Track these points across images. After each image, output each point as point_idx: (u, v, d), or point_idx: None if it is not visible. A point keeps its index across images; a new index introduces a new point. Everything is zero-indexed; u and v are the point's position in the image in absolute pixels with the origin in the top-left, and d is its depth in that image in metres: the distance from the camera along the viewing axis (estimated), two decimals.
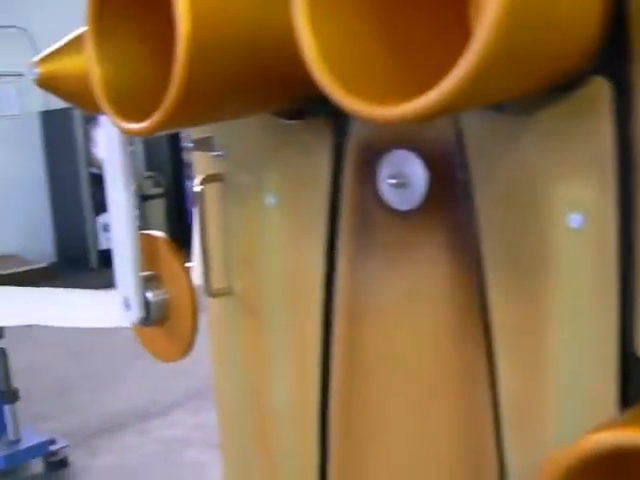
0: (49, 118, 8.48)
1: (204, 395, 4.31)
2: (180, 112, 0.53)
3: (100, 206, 8.17)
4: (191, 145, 0.86)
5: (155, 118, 0.55)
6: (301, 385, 0.79)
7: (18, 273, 7.42)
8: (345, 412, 0.74)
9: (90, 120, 8.06)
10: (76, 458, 3.63)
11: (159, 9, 0.62)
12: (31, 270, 7.67)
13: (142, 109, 0.59)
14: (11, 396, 3.46)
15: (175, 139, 8.96)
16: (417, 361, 0.68)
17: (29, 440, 3.54)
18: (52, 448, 3.56)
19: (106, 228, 8.18)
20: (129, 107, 0.62)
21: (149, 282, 1.02)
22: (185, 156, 9.02)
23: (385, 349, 0.70)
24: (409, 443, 0.71)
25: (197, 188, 0.85)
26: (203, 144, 0.84)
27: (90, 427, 3.98)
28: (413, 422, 0.70)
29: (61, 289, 1.49)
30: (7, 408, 3.49)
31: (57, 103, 7.39)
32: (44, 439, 3.55)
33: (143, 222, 8.63)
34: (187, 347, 1.01)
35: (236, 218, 0.85)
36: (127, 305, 1.01)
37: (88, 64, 0.62)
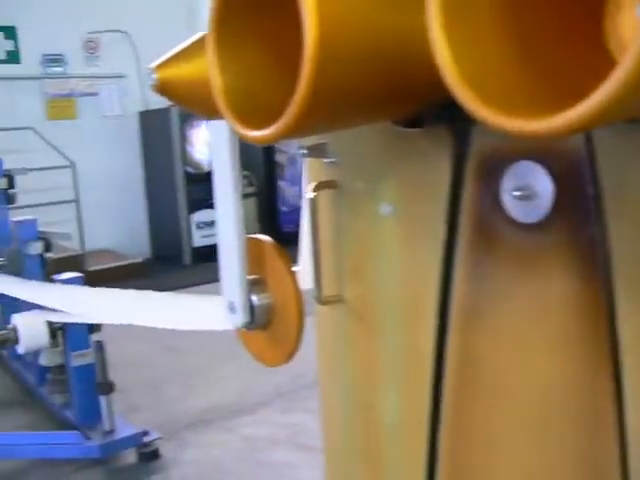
0: (147, 118, 8.72)
1: (291, 395, 4.35)
2: (305, 119, 0.53)
3: (194, 204, 8.36)
4: (304, 151, 0.85)
5: (278, 125, 0.55)
6: (411, 399, 0.77)
7: (114, 268, 7.66)
8: (455, 430, 0.72)
9: (186, 120, 8.26)
10: (167, 450, 3.70)
11: (280, 13, 0.62)
12: (126, 265, 7.90)
13: (262, 115, 0.59)
14: (107, 388, 3.56)
15: None
16: (537, 381, 0.65)
17: (123, 431, 3.64)
18: (145, 439, 3.65)
19: (199, 226, 8.35)
20: (249, 113, 0.61)
21: (254, 286, 1.02)
22: (278, 156, 9.12)
23: (502, 366, 0.67)
24: (520, 476, 0.68)
25: (310, 195, 0.84)
26: (316, 150, 0.83)
27: (181, 421, 4.06)
28: (526, 450, 0.68)
29: (166, 293, 1.52)
30: (103, 399, 3.59)
31: (155, 104, 7.66)
32: (138, 430, 3.64)
33: None
34: (291, 352, 1.00)
35: (349, 226, 0.83)
36: (232, 308, 1.01)
37: (209, 70, 0.62)
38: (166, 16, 8.86)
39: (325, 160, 0.84)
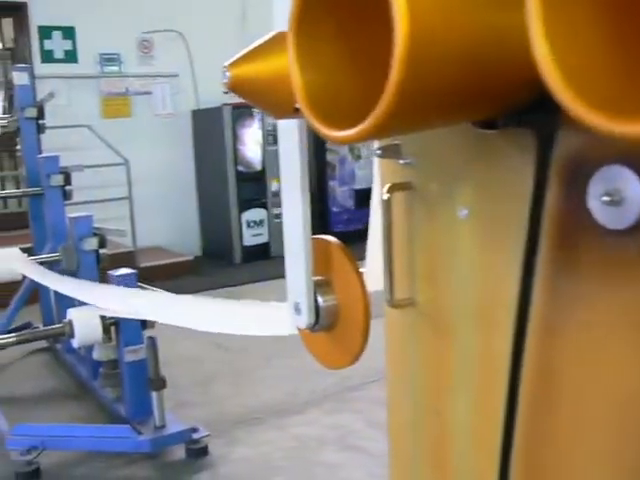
0: (200, 117, 8.80)
1: (339, 396, 4.35)
2: (391, 120, 0.51)
3: (245, 203, 8.41)
4: (378, 152, 0.84)
5: (364, 126, 0.53)
6: (484, 405, 0.76)
7: (165, 265, 7.75)
8: (530, 440, 0.70)
9: (238, 119, 8.32)
10: (215, 447, 3.72)
11: (362, 10, 0.61)
12: (177, 262, 7.99)
13: (342, 115, 0.58)
14: (159, 384, 3.60)
15: (318, 137, 9.07)
16: (620, 395, 0.63)
17: (173, 427, 3.67)
18: (194, 436, 3.67)
19: (250, 224, 8.40)
20: (329, 113, 0.60)
21: (320, 287, 1.01)
22: (328, 156, 9.13)
23: (584, 377, 0.65)
24: None
25: (384, 196, 0.83)
26: (391, 151, 0.82)
27: (230, 419, 4.08)
28: (604, 466, 0.65)
29: (231, 300, 1.53)
30: (154, 395, 3.63)
31: (207, 103, 7.74)
32: (187, 427, 3.67)
33: None
34: (356, 354, 0.99)
35: (423, 228, 0.82)
36: (297, 310, 1.00)
37: (290, 69, 0.61)
38: (219, 16, 8.94)
39: (400, 161, 0.83)
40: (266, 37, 0.81)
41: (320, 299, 1.01)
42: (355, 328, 0.97)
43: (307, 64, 0.60)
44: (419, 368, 0.85)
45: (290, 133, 0.96)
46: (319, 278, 1.02)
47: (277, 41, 0.78)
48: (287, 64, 0.65)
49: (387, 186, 0.83)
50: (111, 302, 3.01)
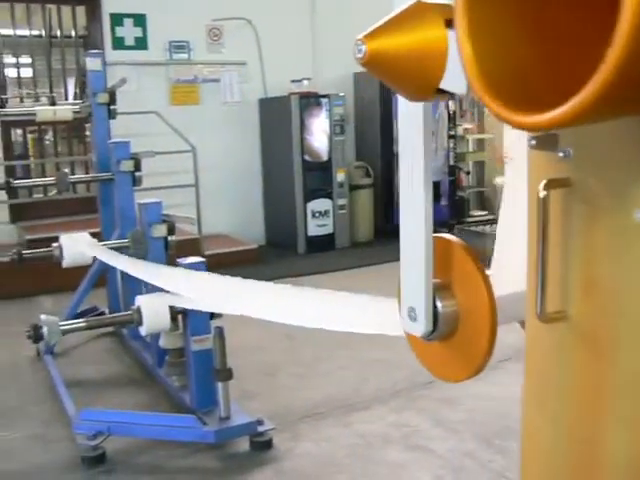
0: (267, 105, 8.76)
1: (407, 393, 4.24)
2: (604, 101, 0.42)
3: (311, 193, 8.34)
4: (533, 142, 0.74)
5: (568, 108, 0.44)
6: None
7: (229, 253, 7.73)
8: None
9: (306, 108, 8.25)
10: (279, 441, 3.66)
11: None
12: (242, 251, 7.97)
13: (523, 96, 0.48)
14: (225, 375, 3.55)
15: (385, 127, 8.96)
16: None
17: (238, 418, 3.62)
18: (259, 429, 3.62)
19: (315, 215, 8.32)
20: (507, 93, 0.51)
21: (439, 291, 0.92)
22: (395, 147, 8.99)
23: None
24: None
25: (541, 194, 0.73)
26: (547, 142, 0.71)
27: (294, 412, 4.02)
28: None
29: (326, 291, 1.43)
30: (220, 385, 3.58)
31: (275, 91, 7.73)
32: (253, 419, 3.61)
33: (350, 212, 8.71)
34: (479, 366, 0.89)
35: (583, 231, 0.71)
36: (412, 316, 0.90)
37: (460, 41, 0.52)
38: (288, 4, 8.88)
39: (557, 153, 0.72)
40: (404, 7, 0.70)
41: (439, 304, 0.91)
42: (479, 336, 0.87)
43: (480, 34, 0.51)
44: (567, 390, 0.75)
45: (414, 119, 0.86)
46: (437, 281, 0.92)
47: (419, 12, 0.68)
48: (434, 38, 0.56)
49: (544, 182, 0.72)
50: (192, 289, 2.94)
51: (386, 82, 0.74)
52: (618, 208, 0.67)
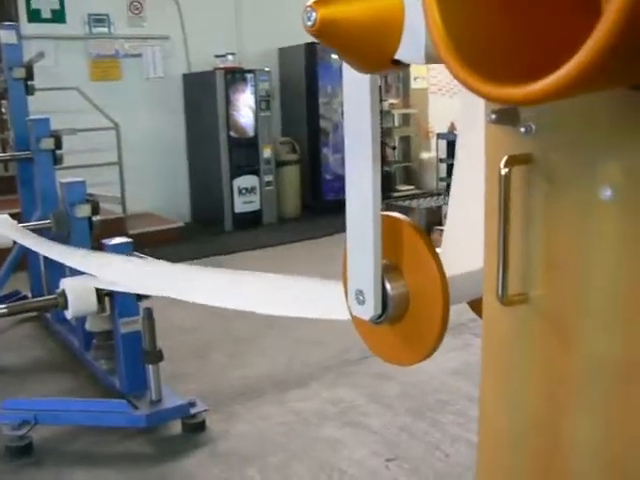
0: (191, 81, 8.59)
1: (339, 369, 4.25)
2: (595, 69, 0.38)
3: (237, 170, 8.24)
4: (493, 117, 0.70)
5: (557, 78, 0.40)
6: (620, 425, 0.63)
7: (155, 232, 7.59)
8: None
9: (231, 84, 8.12)
10: (213, 422, 3.61)
11: None
12: (168, 229, 7.84)
13: (494, 66, 0.44)
14: (155, 357, 3.48)
15: (311, 103, 8.91)
16: None
17: (170, 401, 3.56)
18: (192, 410, 3.56)
19: (242, 192, 8.24)
20: (477, 63, 0.47)
21: (387, 272, 0.88)
22: (322, 123, 8.95)
23: None
24: None
25: (502, 171, 0.69)
26: (508, 116, 0.68)
27: (227, 392, 3.98)
28: None
29: (273, 275, 1.37)
30: (150, 368, 3.50)
31: (199, 66, 7.59)
32: (185, 401, 3.55)
33: (277, 188, 8.66)
34: (430, 349, 0.86)
35: (546, 210, 0.68)
36: (360, 299, 0.87)
37: (427, 7, 0.48)
38: None
39: (519, 129, 0.69)
40: None
41: (388, 286, 0.87)
42: (430, 319, 0.84)
43: (448, 2, 0.47)
44: (529, 375, 0.72)
45: (359, 91, 0.81)
46: (386, 262, 0.88)
47: None
48: (389, 5, 0.52)
49: (504, 159, 0.69)
50: (120, 275, 2.85)
51: (338, 52, 0.69)
52: (582, 186, 0.65)
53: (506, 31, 0.49)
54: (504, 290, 0.70)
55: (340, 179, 9.09)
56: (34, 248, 3.87)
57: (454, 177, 0.95)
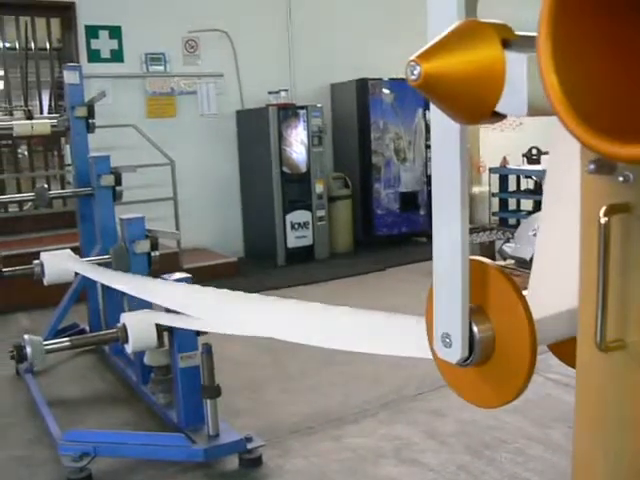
0: (245, 117, 8.72)
1: (394, 406, 4.21)
2: None
3: (289, 205, 8.31)
4: (592, 167, 0.71)
5: None
6: None
7: (208, 266, 7.67)
8: None
9: (284, 120, 8.22)
10: (269, 457, 3.61)
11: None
12: (221, 264, 7.91)
13: (608, 124, 0.46)
14: (213, 392, 3.50)
15: (363, 138, 8.97)
16: None
17: (227, 436, 3.57)
18: (249, 446, 3.57)
19: (294, 227, 8.29)
20: (592, 121, 0.48)
21: (474, 315, 0.89)
22: (374, 158, 8.99)
23: None
24: None
25: (602, 220, 0.70)
26: (607, 166, 0.69)
27: (283, 427, 3.97)
28: None
29: (352, 309, 1.38)
30: (207, 402, 3.53)
31: (252, 103, 7.72)
32: (242, 436, 3.56)
33: (329, 223, 8.69)
34: (517, 392, 0.86)
35: None
36: (447, 342, 0.87)
37: (542, 69, 0.50)
38: (265, 16, 8.87)
39: (617, 178, 0.70)
40: (456, 26, 0.68)
41: (475, 329, 0.88)
42: (517, 362, 0.84)
43: (563, 60, 0.48)
44: (625, 423, 0.72)
45: (449, 139, 0.83)
46: (471, 305, 0.89)
47: (474, 31, 0.65)
48: (491, 58, 0.53)
49: (604, 208, 0.70)
50: (184, 305, 2.87)
51: (439, 104, 0.71)
52: None
53: (619, 88, 0.50)
54: (602, 336, 0.71)
55: (391, 214, 9.10)
56: (103, 281, 3.94)
57: (542, 219, 0.96)
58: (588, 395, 0.79)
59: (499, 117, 0.70)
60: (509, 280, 0.87)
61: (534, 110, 0.68)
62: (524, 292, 0.88)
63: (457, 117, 0.72)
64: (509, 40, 0.68)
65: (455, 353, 0.88)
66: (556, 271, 0.88)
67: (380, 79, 8.89)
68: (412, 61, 0.67)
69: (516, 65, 0.67)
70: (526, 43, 0.65)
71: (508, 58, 0.68)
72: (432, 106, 0.77)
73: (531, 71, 0.63)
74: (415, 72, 0.67)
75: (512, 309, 0.85)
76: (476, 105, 0.65)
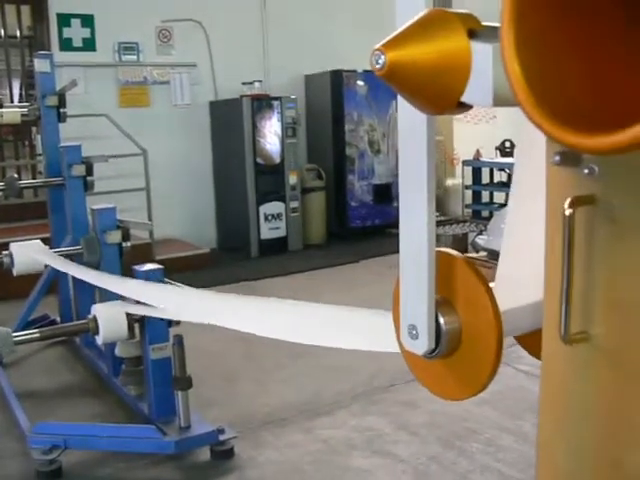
0: (218, 108, 8.68)
1: (366, 397, 4.23)
2: None
3: (263, 196, 8.29)
4: (557, 158, 0.71)
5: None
6: None
7: (181, 258, 7.63)
8: None
9: (257, 111, 8.19)
10: (241, 449, 3.61)
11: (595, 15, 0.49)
12: (194, 255, 7.87)
13: (570, 114, 0.46)
14: (185, 383, 3.48)
15: (337, 130, 8.96)
16: None
17: (199, 428, 3.55)
18: (221, 437, 3.56)
19: (267, 218, 8.27)
20: (555, 111, 0.48)
21: (440, 307, 0.89)
22: (348, 150, 8.99)
23: None
24: None
25: (567, 212, 0.70)
26: (572, 158, 0.69)
27: (255, 419, 3.97)
28: None
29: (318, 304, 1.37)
30: (179, 394, 3.51)
31: (225, 93, 7.68)
32: (214, 428, 3.55)
33: (303, 215, 8.68)
34: (483, 385, 0.86)
35: (608, 250, 0.69)
36: (413, 334, 0.87)
37: (506, 59, 0.49)
38: (239, 6, 8.82)
39: (583, 170, 0.70)
40: (422, 15, 0.67)
41: (442, 321, 0.88)
42: (484, 354, 0.84)
43: (526, 49, 0.48)
44: (589, 414, 0.72)
45: (416, 130, 0.82)
46: (438, 297, 0.89)
47: (440, 21, 0.65)
48: (457, 48, 0.53)
49: (569, 200, 0.70)
50: (163, 301, 2.86)
51: (405, 94, 0.70)
52: None
53: (581, 79, 0.50)
54: (566, 329, 0.71)
55: (365, 206, 9.11)
56: (72, 273, 3.90)
57: (508, 213, 0.96)
58: (552, 386, 0.80)
59: (465, 107, 0.69)
60: (475, 272, 0.87)
61: (499, 100, 0.68)
62: (491, 284, 0.88)
63: (423, 107, 0.71)
64: (475, 30, 0.67)
65: (422, 345, 0.88)
66: (522, 263, 0.89)
67: (354, 71, 8.88)
68: (377, 50, 0.66)
69: (482, 55, 0.67)
70: (492, 33, 0.65)
71: (474, 48, 0.68)
72: (399, 97, 0.77)
73: (496, 61, 0.62)
74: (380, 61, 0.66)
75: (478, 301, 0.85)
76: (441, 95, 0.65)
